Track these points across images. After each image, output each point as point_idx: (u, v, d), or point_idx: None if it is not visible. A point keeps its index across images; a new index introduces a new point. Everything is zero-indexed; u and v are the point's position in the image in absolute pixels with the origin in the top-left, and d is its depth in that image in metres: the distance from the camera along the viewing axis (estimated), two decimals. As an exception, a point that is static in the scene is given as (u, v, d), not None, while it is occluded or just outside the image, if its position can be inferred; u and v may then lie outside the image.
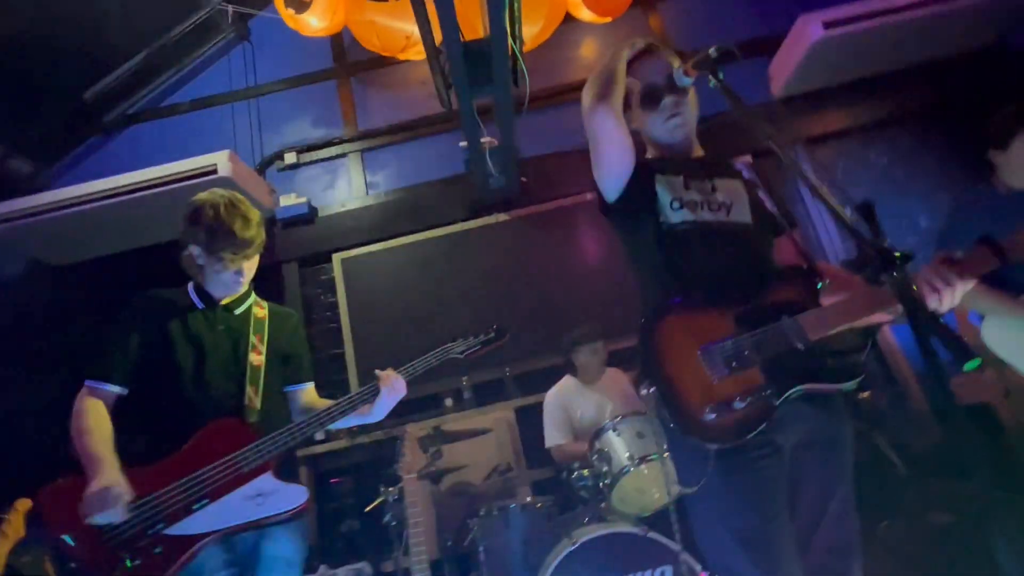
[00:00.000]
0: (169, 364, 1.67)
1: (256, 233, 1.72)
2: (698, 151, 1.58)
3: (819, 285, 1.35)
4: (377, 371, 1.75)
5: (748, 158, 1.21)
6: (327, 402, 1.75)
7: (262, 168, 4.12)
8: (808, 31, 3.44)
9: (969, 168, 2.36)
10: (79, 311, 3.70)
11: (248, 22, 4.38)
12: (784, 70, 3.71)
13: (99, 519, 1.43)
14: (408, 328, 3.68)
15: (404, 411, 3.30)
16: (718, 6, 4.22)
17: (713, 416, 1.26)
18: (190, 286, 1.80)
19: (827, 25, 3.40)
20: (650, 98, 1.54)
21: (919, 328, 1.01)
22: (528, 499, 2.76)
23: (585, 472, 2.64)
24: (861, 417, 2.74)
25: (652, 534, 2.36)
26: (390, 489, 2.64)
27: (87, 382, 1.64)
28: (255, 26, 4.39)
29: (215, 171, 3.40)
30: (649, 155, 1.62)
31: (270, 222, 3.89)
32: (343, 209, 4.02)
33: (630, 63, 1.55)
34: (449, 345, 1.87)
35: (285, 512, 1.59)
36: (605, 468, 2.51)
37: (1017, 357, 2.04)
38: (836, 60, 3.60)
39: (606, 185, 1.51)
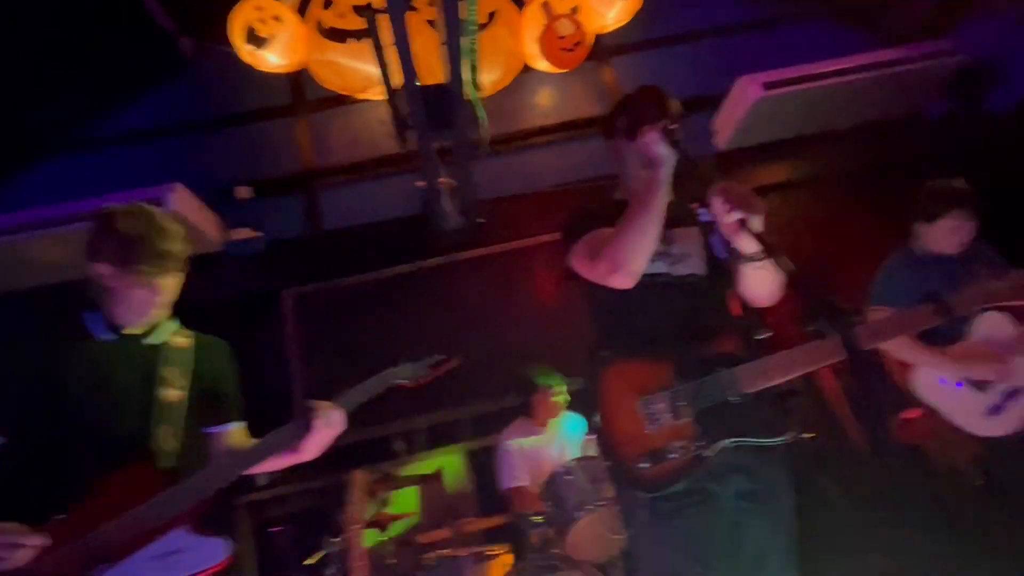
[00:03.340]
0: (60, 407, 1.45)
1: (178, 248, 1.54)
2: (668, 196, 1.55)
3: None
4: (308, 403, 1.56)
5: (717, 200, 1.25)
6: (255, 442, 1.56)
7: (213, 203, 4.01)
8: (749, 90, 3.67)
9: (898, 226, 2.54)
10: None
11: (206, 53, 4.34)
12: (727, 126, 3.94)
13: None
14: (361, 368, 3.58)
15: (351, 455, 3.18)
16: (666, 63, 4.46)
17: (646, 465, 1.28)
18: (87, 316, 1.56)
19: (767, 86, 3.64)
20: (634, 129, 1.52)
21: (861, 377, 1.05)
22: (480, 548, 2.68)
23: (538, 519, 2.60)
24: (805, 459, 2.81)
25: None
26: (334, 540, 2.52)
27: None
28: (213, 58, 4.35)
29: (161, 203, 3.29)
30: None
31: (220, 256, 3.77)
32: (297, 245, 3.94)
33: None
34: (393, 370, 1.73)
35: (204, 571, 1.40)
36: (558, 514, 2.47)
37: (941, 403, 2.19)
38: (775, 119, 3.84)
39: (617, 283, 1.41)
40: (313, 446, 1.55)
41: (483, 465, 3.27)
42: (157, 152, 4.14)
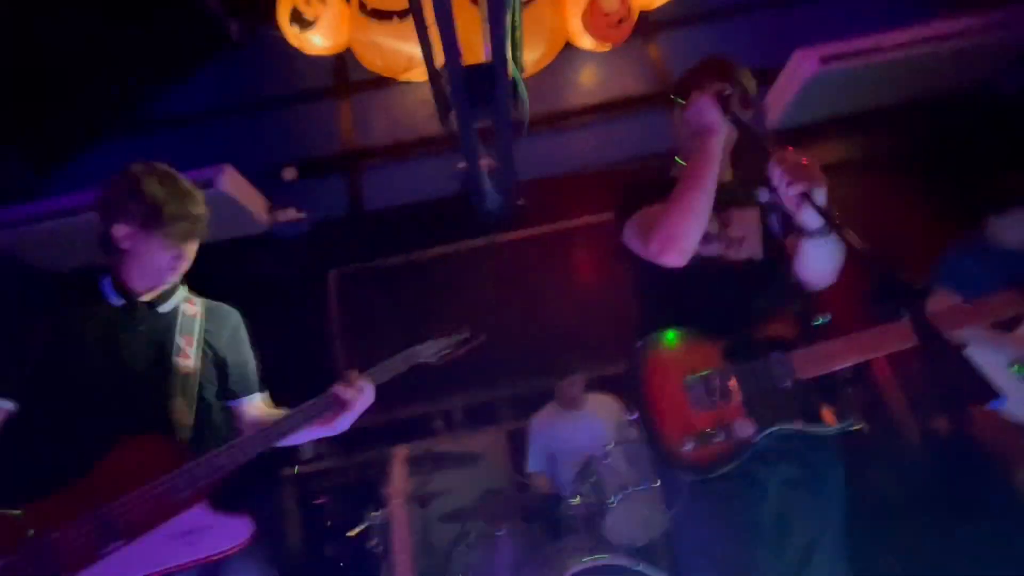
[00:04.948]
0: (71, 374, 1.40)
1: (202, 213, 1.51)
2: (726, 175, 1.49)
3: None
4: (345, 374, 1.49)
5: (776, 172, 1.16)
6: (282, 413, 1.49)
7: (259, 184, 4.10)
8: (805, 65, 3.49)
9: (963, 208, 2.39)
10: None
11: (252, 36, 4.40)
12: (781, 102, 3.75)
13: None
14: (401, 347, 3.64)
15: (393, 432, 3.24)
16: (716, 37, 4.29)
17: (690, 447, 1.24)
18: (104, 281, 1.50)
19: (824, 60, 3.45)
20: (687, 95, 1.45)
21: (938, 362, 0.99)
22: (517, 526, 2.70)
23: (576, 500, 2.59)
24: (857, 449, 2.71)
25: (642, 566, 2.30)
26: (376, 513, 2.57)
27: None
28: (259, 41, 4.40)
29: (212, 184, 3.37)
30: (674, 172, 1.55)
31: (267, 237, 3.87)
32: (341, 226, 4.00)
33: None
34: (418, 348, 1.66)
35: (225, 551, 1.32)
36: (597, 497, 2.46)
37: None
38: (832, 94, 3.64)
39: (669, 261, 1.34)
40: (344, 420, 1.50)
41: (522, 445, 3.29)
42: (205, 134, 4.25)
